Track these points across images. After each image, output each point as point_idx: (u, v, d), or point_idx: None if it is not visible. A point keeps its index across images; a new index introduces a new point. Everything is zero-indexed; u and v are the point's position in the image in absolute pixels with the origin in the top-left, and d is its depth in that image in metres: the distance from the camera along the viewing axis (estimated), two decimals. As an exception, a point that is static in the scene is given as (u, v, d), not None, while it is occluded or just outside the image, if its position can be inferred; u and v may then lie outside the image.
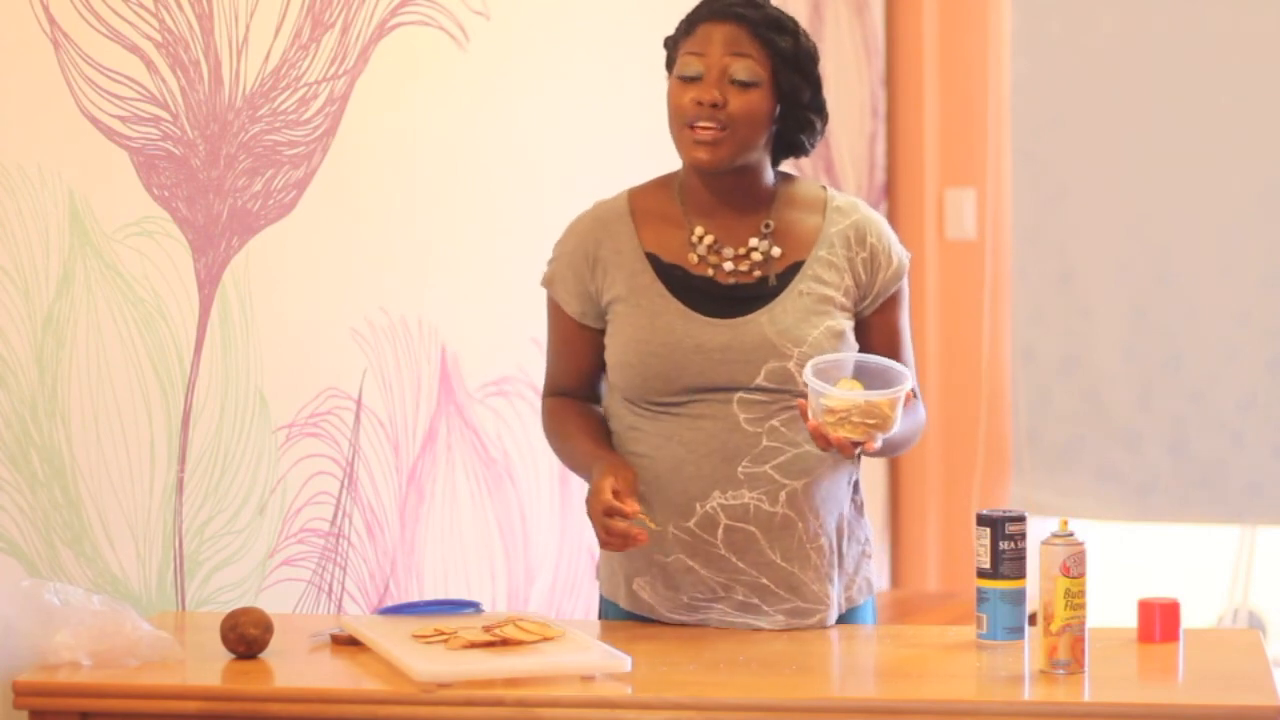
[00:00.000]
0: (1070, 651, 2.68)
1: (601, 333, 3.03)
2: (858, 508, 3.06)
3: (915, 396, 3.05)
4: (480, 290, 4.00)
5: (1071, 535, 2.72)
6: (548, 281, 3.08)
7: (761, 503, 2.94)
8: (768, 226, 2.99)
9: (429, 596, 3.82)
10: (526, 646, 2.76)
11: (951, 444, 5.97)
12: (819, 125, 3.02)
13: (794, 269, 2.98)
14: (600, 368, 3.05)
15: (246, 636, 2.82)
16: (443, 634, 2.82)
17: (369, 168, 3.68)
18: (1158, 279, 5.80)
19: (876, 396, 2.77)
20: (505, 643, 2.77)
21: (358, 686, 2.72)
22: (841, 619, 3.03)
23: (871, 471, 5.76)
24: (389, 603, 3.67)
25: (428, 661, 2.67)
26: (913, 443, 3.04)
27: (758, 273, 2.98)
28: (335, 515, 3.60)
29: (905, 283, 3.04)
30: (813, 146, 3.04)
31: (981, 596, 2.84)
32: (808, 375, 2.78)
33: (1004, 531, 2.83)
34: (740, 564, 2.95)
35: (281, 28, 3.42)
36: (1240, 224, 5.71)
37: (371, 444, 3.69)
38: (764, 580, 2.96)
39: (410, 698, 2.64)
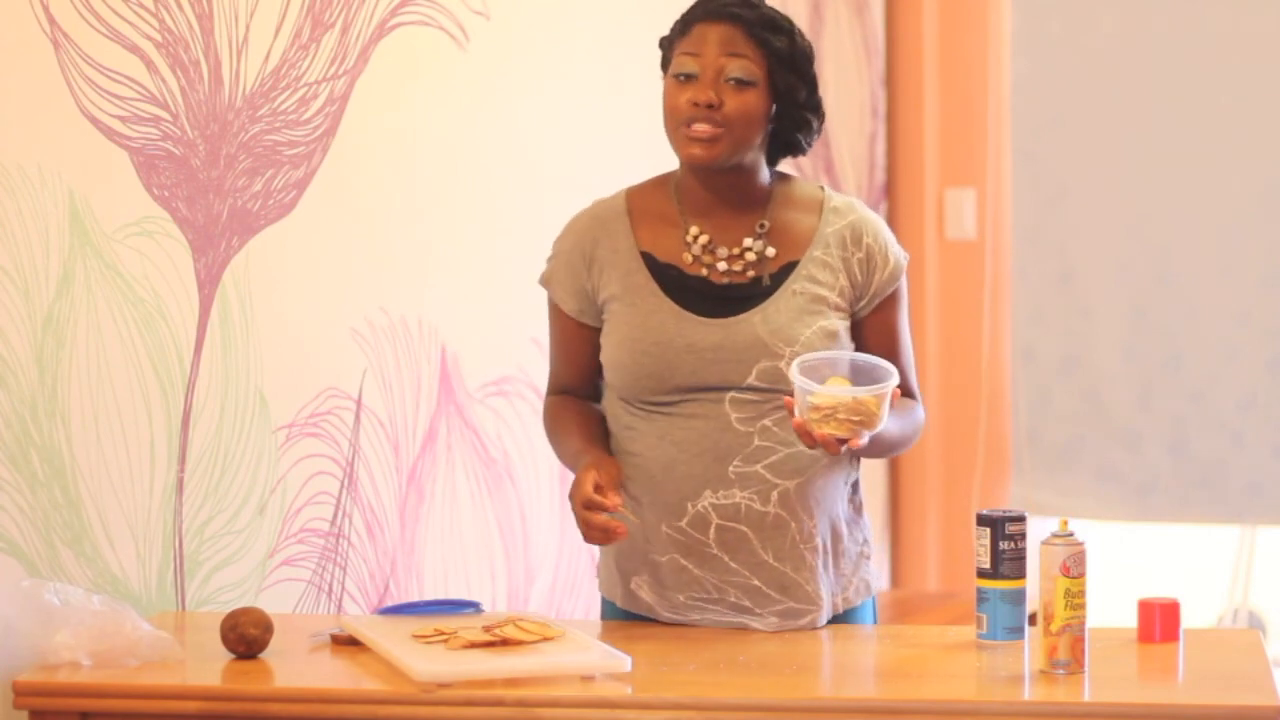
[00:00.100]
0: (1070, 651, 2.68)
1: (599, 331, 3.03)
2: (856, 508, 3.05)
3: (915, 399, 3.06)
4: (480, 290, 4.00)
5: (1071, 535, 2.72)
6: (546, 280, 3.08)
7: (753, 502, 2.94)
8: (763, 226, 2.99)
9: (429, 596, 3.81)
10: (526, 646, 2.76)
11: (951, 444, 5.97)
12: (815, 124, 3.02)
13: (788, 269, 2.98)
14: (600, 366, 3.06)
15: (246, 636, 2.82)
16: (443, 634, 2.82)
17: (369, 168, 3.68)
18: (1158, 279, 5.80)
19: (862, 393, 2.76)
20: (505, 643, 2.77)
21: (358, 686, 2.72)
22: (840, 620, 3.03)
23: (871, 471, 5.76)
24: (389, 603, 3.67)
25: (428, 661, 2.67)
26: (911, 443, 3.04)
27: (752, 272, 2.98)
28: (335, 515, 3.60)
29: (903, 283, 3.04)
30: (810, 146, 3.04)
31: (981, 596, 2.84)
32: (793, 372, 2.78)
33: (1004, 531, 2.83)
34: (733, 564, 2.95)
35: (281, 28, 3.42)
36: (1240, 224, 5.71)
37: (371, 444, 3.69)
38: (756, 581, 2.96)
39: (410, 698, 2.64)
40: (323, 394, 3.57)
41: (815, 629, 2.97)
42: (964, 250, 5.95)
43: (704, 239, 2.99)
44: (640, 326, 2.96)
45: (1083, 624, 2.69)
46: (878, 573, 3.13)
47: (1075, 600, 2.68)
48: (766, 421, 2.93)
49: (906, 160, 5.96)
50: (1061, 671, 2.67)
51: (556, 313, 3.07)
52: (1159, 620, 2.84)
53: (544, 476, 4.19)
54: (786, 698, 2.65)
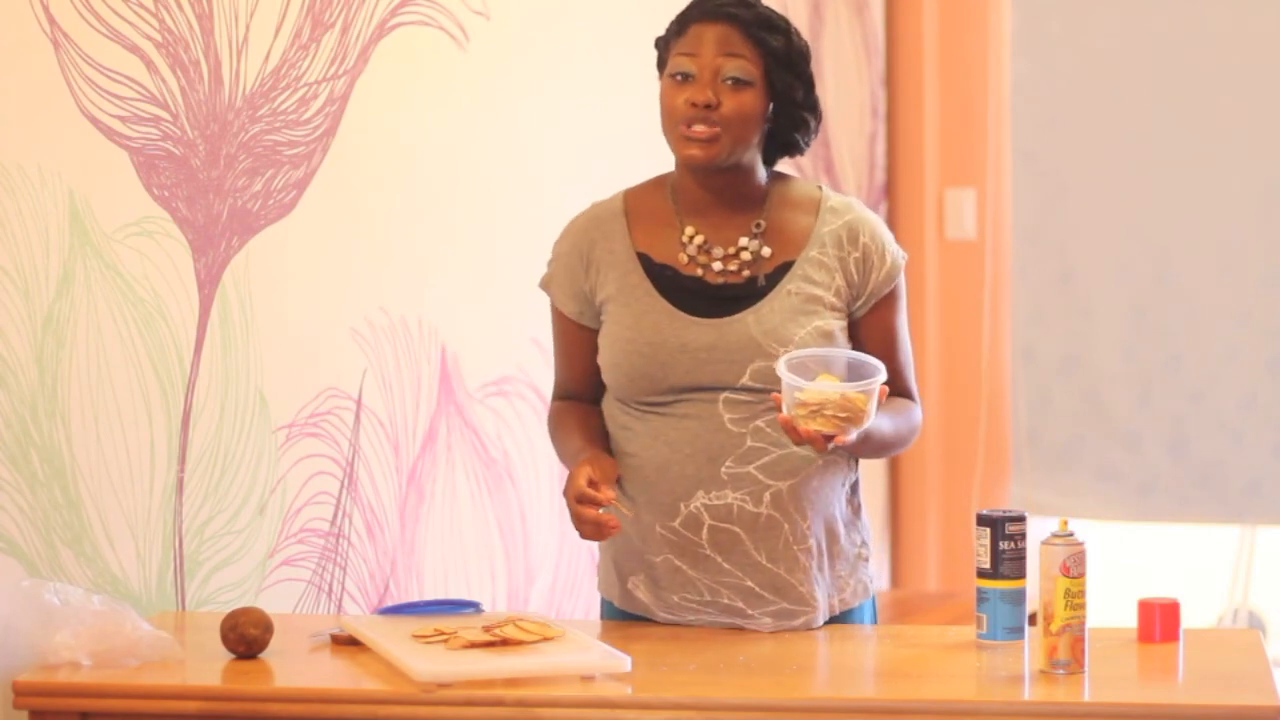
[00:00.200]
0: (1070, 651, 2.67)
1: (600, 333, 3.03)
2: (855, 510, 3.05)
3: (914, 400, 3.05)
4: (480, 290, 4.00)
5: (1071, 535, 2.72)
6: (546, 283, 3.08)
7: (745, 503, 2.93)
8: (759, 226, 2.99)
9: (429, 596, 3.81)
10: (526, 646, 2.76)
11: (951, 444, 5.97)
12: (813, 124, 3.02)
13: (784, 269, 2.97)
14: (601, 368, 3.06)
15: (246, 636, 2.82)
16: (443, 634, 2.82)
17: (369, 168, 3.68)
18: (1158, 279, 5.80)
19: (849, 389, 2.76)
20: (505, 643, 2.76)
21: (358, 686, 2.72)
22: (838, 622, 3.03)
23: (871, 472, 5.76)
24: (389, 603, 3.67)
25: (428, 661, 2.67)
26: (908, 444, 3.03)
27: (747, 272, 2.98)
28: (335, 515, 3.60)
29: (901, 283, 3.03)
30: (807, 145, 3.04)
31: (981, 596, 2.84)
32: (780, 369, 2.78)
33: (1004, 531, 2.83)
34: (726, 565, 2.95)
35: (281, 28, 3.42)
36: (1240, 224, 5.71)
37: (371, 444, 3.69)
38: (749, 582, 2.95)
39: (410, 698, 2.64)
40: (323, 394, 3.57)
41: (811, 630, 2.97)
42: (964, 250, 5.95)
43: (699, 239, 2.98)
44: (634, 327, 2.96)
45: (1083, 624, 2.69)
46: (877, 574, 3.13)
47: (1075, 600, 2.68)
48: (759, 422, 2.93)
49: (906, 160, 5.96)
50: (1061, 671, 2.67)
51: (558, 316, 3.07)
52: (1159, 620, 2.84)
53: (544, 476, 4.19)
54: (786, 698, 2.65)
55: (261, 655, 2.83)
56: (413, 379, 3.81)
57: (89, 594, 2.86)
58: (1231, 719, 2.56)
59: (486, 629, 2.80)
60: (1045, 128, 5.88)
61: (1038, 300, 5.91)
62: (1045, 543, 2.72)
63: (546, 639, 2.79)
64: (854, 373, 2.81)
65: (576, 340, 3.06)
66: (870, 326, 3.01)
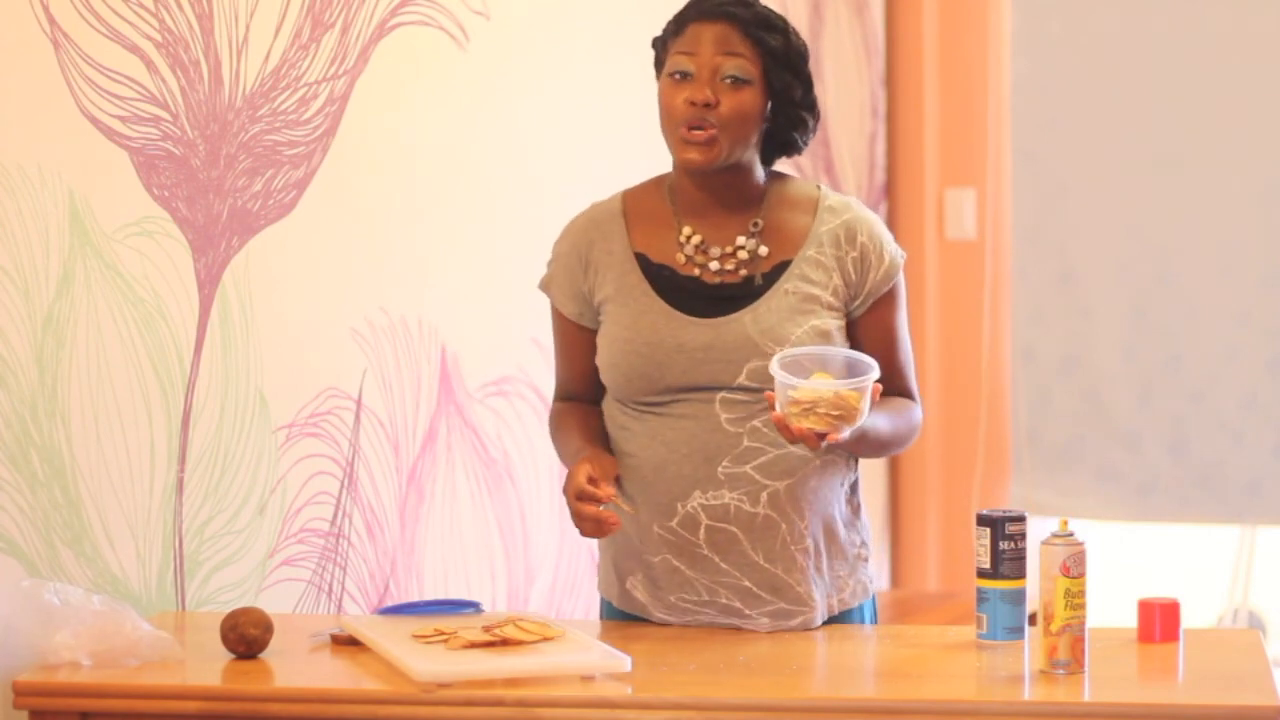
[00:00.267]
0: (1070, 651, 2.67)
1: (598, 334, 3.03)
2: (854, 510, 3.05)
3: (914, 400, 3.05)
4: (480, 290, 4.00)
5: (1071, 535, 2.72)
6: (545, 284, 3.08)
7: (742, 503, 2.93)
8: (756, 225, 2.99)
9: (429, 596, 3.81)
10: (526, 646, 2.76)
11: (951, 444, 5.97)
12: (811, 123, 3.02)
13: (781, 268, 2.97)
14: (602, 369, 3.06)
15: (246, 636, 2.82)
16: (443, 634, 2.82)
17: (369, 168, 3.68)
18: (1158, 279, 5.80)
19: (842, 386, 2.75)
20: (505, 643, 2.76)
21: (358, 686, 2.72)
22: (837, 621, 3.02)
23: (871, 472, 5.76)
24: (389, 603, 3.67)
25: (428, 661, 2.67)
26: (906, 444, 3.03)
27: (744, 272, 2.98)
28: (335, 515, 3.60)
29: (900, 282, 3.03)
30: (805, 145, 3.04)
31: (981, 596, 2.84)
32: (773, 367, 2.77)
33: (1004, 531, 2.83)
34: (724, 565, 2.95)
35: (281, 28, 3.42)
36: (1240, 224, 5.71)
37: (371, 444, 3.69)
38: (746, 582, 2.95)
39: (410, 698, 2.64)
40: (323, 394, 3.57)
41: (811, 630, 2.97)
42: (964, 250, 5.95)
43: (697, 239, 2.98)
44: (631, 327, 2.96)
45: (1083, 624, 2.69)
46: (877, 574, 3.12)
47: (1075, 600, 2.68)
48: (756, 422, 2.92)
49: (906, 160, 5.96)
50: (1061, 671, 2.67)
51: (557, 317, 3.07)
52: (1159, 620, 2.84)
53: (544, 476, 4.19)
54: (787, 698, 2.65)
55: (261, 655, 2.83)
56: (413, 379, 3.81)
57: (89, 594, 2.86)
58: (1231, 719, 2.56)
59: (486, 629, 2.80)
60: (1045, 128, 5.88)
61: (1038, 300, 5.91)
62: (1045, 543, 2.72)
63: (546, 639, 2.79)
64: (850, 371, 2.81)
65: (576, 341, 3.06)
66: (869, 326, 3.00)
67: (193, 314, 3.25)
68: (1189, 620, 2.98)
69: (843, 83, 5.66)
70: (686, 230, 2.99)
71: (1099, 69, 5.82)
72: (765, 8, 2.97)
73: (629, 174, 3.15)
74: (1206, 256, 5.74)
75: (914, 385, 3.06)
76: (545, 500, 4.20)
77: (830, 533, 3.00)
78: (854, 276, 2.99)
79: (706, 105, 2.90)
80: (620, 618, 3.05)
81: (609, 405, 3.04)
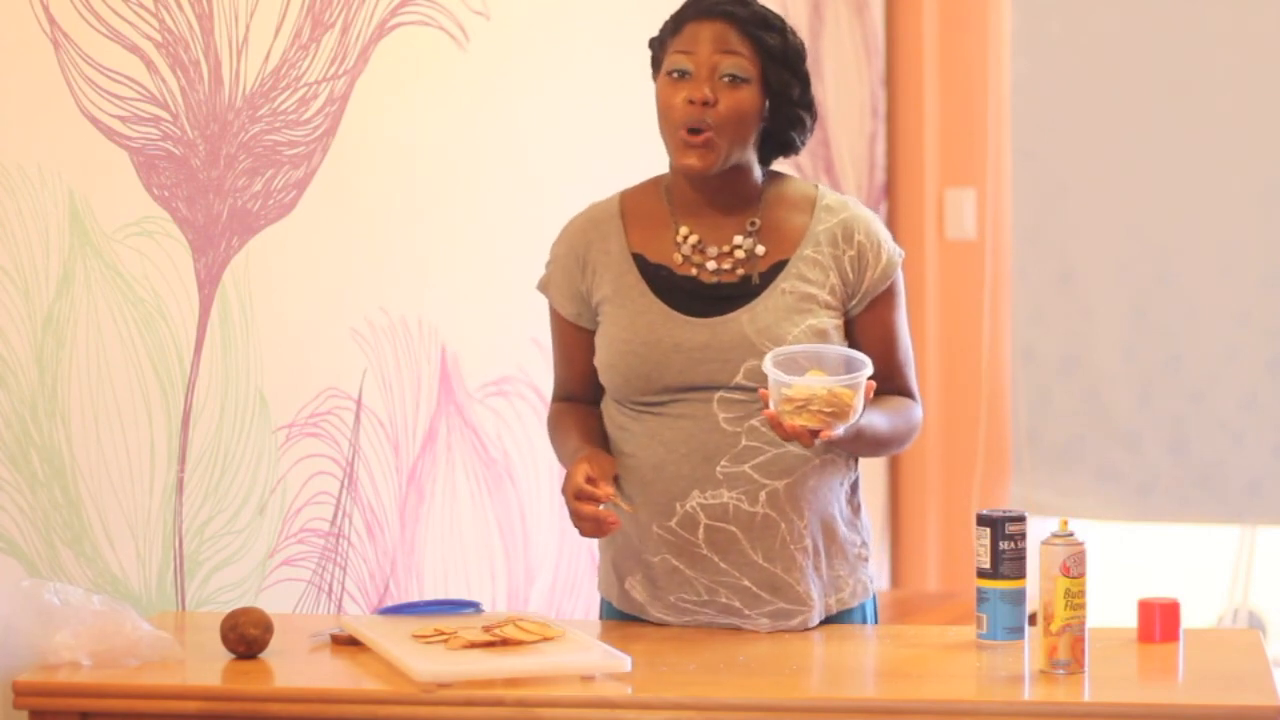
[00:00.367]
0: (1070, 651, 2.67)
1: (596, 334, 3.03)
2: (855, 509, 3.05)
3: (914, 399, 3.05)
4: (480, 290, 4.00)
5: (1071, 535, 2.72)
6: (544, 285, 3.08)
7: (741, 502, 2.93)
8: (753, 225, 2.99)
9: (429, 596, 3.81)
10: (526, 646, 2.76)
11: (951, 444, 5.97)
12: (809, 122, 3.02)
13: (778, 267, 2.97)
14: (599, 370, 3.06)
15: (246, 636, 2.82)
16: (443, 634, 2.82)
17: (369, 168, 3.68)
18: (1158, 279, 5.80)
19: (835, 383, 2.75)
20: (505, 643, 2.76)
21: (358, 686, 2.72)
22: (838, 621, 3.02)
23: (871, 471, 5.76)
24: (389, 603, 3.67)
25: (428, 661, 2.67)
26: (906, 443, 3.03)
27: (741, 271, 2.98)
28: (335, 515, 3.60)
29: (899, 281, 3.03)
30: (803, 144, 3.04)
31: (981, 596, 2.84)
32: (766, 365, 2.77)
33: (1004, 531, 2.83)
34: (723, 564, 2.95)
35: (281, 28, 3.42)
36: (1240, 224, 5.71)
37: (371, 444, 3.69)
38: (746, 582, 2.95)
39: (410, 698, 2.64)
40: (323, 394, 3.57)
41: (809, 629, 2.97)
42: (964, 250, 5.95)
43: (694, 239, 2.98)
44: (629, 327, 2.96)
45: (1083, 624, 2.69)
46: (877, 574, 3.12)
47: (1075, 600, 2.68)
48: (754, 422, 2.92)
49: (906, 160, 5.96)
50: (1061, 671, 2.67)
51: (556, 318, 3.07)
52: (1159, 620, 2.84)
53: (544, 476, 4.19)
54: (786, 698, 2.65)
55: (261, 655, 2.83)
56: (413, 379, 3.81)
57: (89, 594, 2.86)
58: (1231, 719, 2.56)
59: (486, 629, 2.80)
60: (1045, 128, 5.88)
61: (1038, 300, 5.91)
62: (1045, 543, 2.72)
63: (546, 639, 2.79)
64: (846, 369, 2.81)
65: (575, 342, 3.06)
66: (867, 324, 3.00)
67: (193, 314, 3.25)
68: (1189, 620, 2.98)
69: (843, 83, 5.66)
70: (683, 230, 2.99)
71: (1099, 69, 5.82)
72: (763, 7, 2.97)
73: (629, 174, 3.15)
74: (1206, 256, 5.74)
75: (914, 384, 3.06)
76: (545, 500, 4.20)
77: (830, 532, 3.00)
78: (851, 275, 2.99)
79: (705, 104, 2.90)
80: (620, 618, 3.05)
81: (607, 406, 3.04)
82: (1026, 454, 5.92)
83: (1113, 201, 5.82)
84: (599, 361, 3.00)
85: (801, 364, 2.80)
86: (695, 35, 2.93)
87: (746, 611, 2.96)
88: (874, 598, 3.10)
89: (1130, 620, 2.89)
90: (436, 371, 3.87)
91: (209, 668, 2.80)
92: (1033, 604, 2.76)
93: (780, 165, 3.07)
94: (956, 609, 5.30)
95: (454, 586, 3.93)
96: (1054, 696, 2.62)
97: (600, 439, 3.02)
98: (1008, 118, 5.91)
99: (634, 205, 3.04)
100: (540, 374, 4.04)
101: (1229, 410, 5.74)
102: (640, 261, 2.99)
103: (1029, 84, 5.88)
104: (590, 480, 2.86)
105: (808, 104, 3.00)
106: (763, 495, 2.93)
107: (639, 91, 3.10)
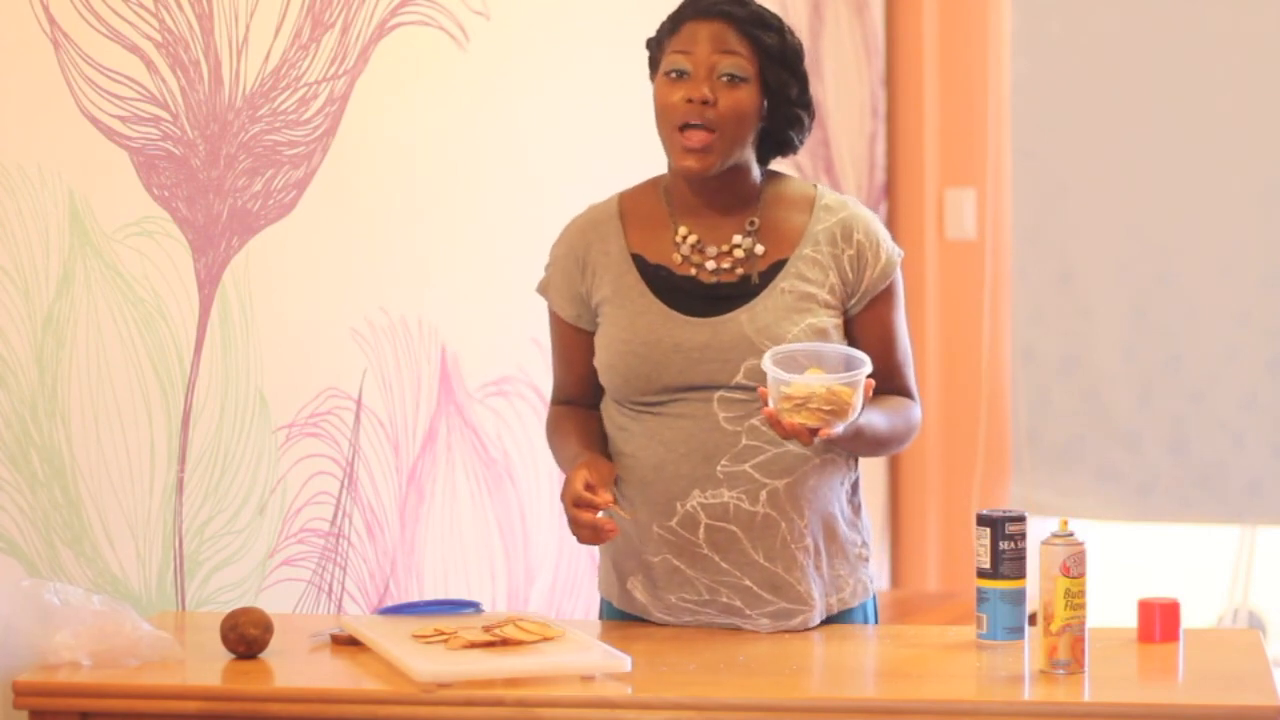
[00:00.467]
0: (1070, 651, 2.67)
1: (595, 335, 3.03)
2: (855, 509, 3.05)
3: (913, 399, 3.05)
4: (480, 290, 4.00)
5: (1071, 535, 2.72)
6: (543, 288, 3.08)
7: (741, 502, 2.93)
8: (752, 224, 2.99)
9: (429, 596, 3.82)
10: (526, 646, 2.76)
11: (951, 444, 5.97)
12: (807, 122, 3.02)
13: (777, 267, 2.97)
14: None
15: (246, 636, 2.82)
16: (443, 634, 2.82)
17: (369, 168, 3.68)
18: (1158, 279, 5.80)
19: (834, 381, 2.75)
20: (505, 643, 2.76)
21: (358, 686, 2.72)
22: (838, 621, 3.02)
23: (871, 471, 5.76)
24: (389, 603, 3.67)
25: (428, 661, 2.67)
26: (905, 442, 3.03)
27: (740, 271, 2.98)
28: (335, 515, 3.60)
29: (898, 280, 3.03)
30: (801, 144, 3.04)
31: (981, 596, 2.84)
32: (766, 363, 2.77)
33: (1004, 531, 2.83)
34: (724, 564, 2.95)
35: (281, 28, 3.42)
36: (1240, 224, 5.71)
37: (371, 444, 3.69)
38: (747, 581, 2.95)
39: (410, 698, 2.64)
40: (323, 394, 3.57)
41: (809, 629, 2.97)
42: (964, 250, 5.95)
43: (693, 239, 2.98)
44: (628, 328, 2.96)
45: (1083, 624, 2.69)
46: (877, 574, 3.12)
47: (1075, 600, 2.68)
48: (754, 421, 2.92)
49: (906, 160, 5.96)
50: (1061, 671, 2.67)
51: (555, 320, 3.07)
52: (1159, 620, 2.84)
53: (544, 476, 4.19)
54: (786, 698, 2.65)
55: (261, 655, 2.83)
56: (413, 379, 3.81)
57: (89, 594, 2.86)
58: (1231, 719, 2.56)
59: (486, 629, 2.80)
60: (1045, 128, 5.88)
61: (1038, 300, 5.91)
62: (1045, 543, 2.72)
63: (546, 639, 2.79)
64: (845, 367, 2.81)
65: (574, 344, 3.06)
66: (866, 324, 3.00)
67: (193, 314, 3.25)
68: (1189, 620, 2.98)
69: (843, 83, 5.66)
70: (682, 230, 2.99)
71: (1099, 69, 5.82)
72: (760, 6, 2.97)
73: (629, 174, 3.15)
74: (1206, 256, 5.74)
75: (913, 384, 3.06)
76: (545, 500, 4.20)
77: (830, 532, 3.00)
78: (850, 275, 2.99)
79: (704, 103, 2.90)
80: (620, 618, 3.05)
81: (607, 406, 3.04)
82: (1026, 454, 5.92)
83: (1113, 201, 5.82)
84: (599, 362, 3.00)
85: (801, 362, 2.80)
86: (693, 35, 2.93)
87: (748, 611, 2.96)
88: (874, 598, 3.10)
89: (1130, 620, 2.89)
90: (436, 371, 3.87)
91: (209, 668, 2.80)
92: (1033, 604, 2.76)
93: (780, 165, 3.07)
94: (956, 609, 5.30)
95: (454, 586, 3.93)
96: (1054, 696, 2.62)
97: (599, 443, 3.02)
98: (1008, 118, 5.91)
99: (633, 206, 3.04)
100: (540, 374, 4.04)
101: (1229, 410, 5.74)
102: (639, 262, 2.99)
103: (1029, 84, 5.88)
104: (589, 487, 2.86)
105: (806, 103, 3.00)
106: (763, 495, 2.93)
107: (639, 91, 3.10)
